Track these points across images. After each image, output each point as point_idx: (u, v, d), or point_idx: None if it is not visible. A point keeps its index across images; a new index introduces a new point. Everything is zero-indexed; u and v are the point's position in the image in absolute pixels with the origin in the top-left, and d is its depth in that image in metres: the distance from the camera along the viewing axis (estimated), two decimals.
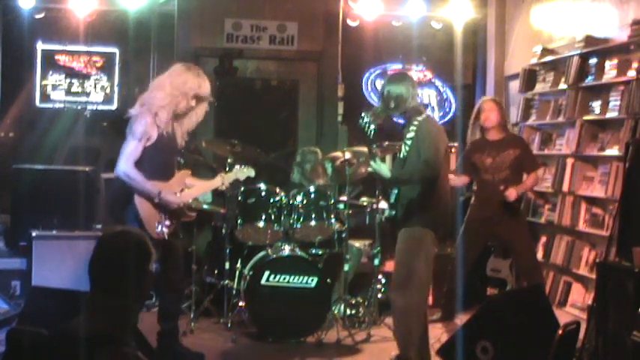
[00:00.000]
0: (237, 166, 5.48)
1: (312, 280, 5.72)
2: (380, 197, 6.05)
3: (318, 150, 6.84)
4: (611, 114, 6.27)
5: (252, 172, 5.51)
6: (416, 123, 4.87)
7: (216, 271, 6.53)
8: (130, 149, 4.67)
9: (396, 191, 4.96)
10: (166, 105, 4.76)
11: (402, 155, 4.93)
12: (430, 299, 6.51)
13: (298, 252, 5.92)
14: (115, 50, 9.12)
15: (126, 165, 4.65)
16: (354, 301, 6.14)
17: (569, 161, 6.77)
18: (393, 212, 4.98)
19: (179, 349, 5.08)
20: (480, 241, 6.30)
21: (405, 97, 4.94)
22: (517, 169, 6.23)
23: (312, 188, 6.09)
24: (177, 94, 4.81)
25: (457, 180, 6.28)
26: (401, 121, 5.14)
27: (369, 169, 5.00)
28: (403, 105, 4.94)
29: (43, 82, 8.99)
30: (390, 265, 6.60)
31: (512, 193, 6.07)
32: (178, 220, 4.96)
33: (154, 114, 4.72)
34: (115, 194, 4.88)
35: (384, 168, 4.89)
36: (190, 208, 5.05)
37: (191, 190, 5.03)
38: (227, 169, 5.68)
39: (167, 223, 4.79)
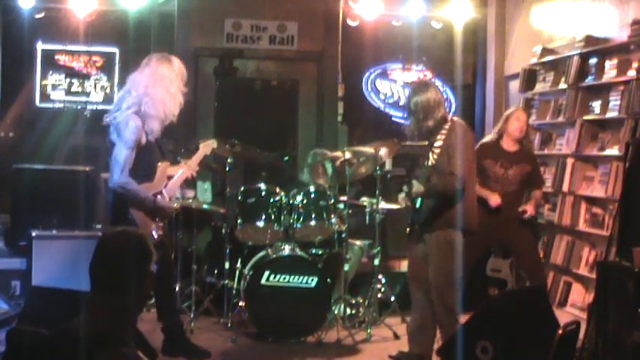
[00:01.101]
0: (201, 144, 5.42)
1: (312, 280, 5.72)
2: (380, 197, 6.05)
3: (328, 152, 6.83)
4: (611, 114, 6.27)
5: (214, 144, 5.43)
6: (444, 131, 4.87)
7: (216, 271, 6.53)
8: (125, 158, 4.57)
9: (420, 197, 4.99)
10: (148, 106, 4.65)
11: (429, 163, 4.92)
12: None
13: (298, 252, 5.91)
14: (115, 50, 9.11)
15: (122, 177, 4.57)
16: (354, 301, 6.14)
17: (569, 161, 6.77)
18: (416, 217, 5.00)
19: (187, 343, 5.08)
20: (482, 245, 6.26)
21: (434, 105, 4.90)
22: (524, 184, 6.19)
23: (312, 188, 6.09)
24: (160, 92, 4.69)
25: (493, 198, 6.04)
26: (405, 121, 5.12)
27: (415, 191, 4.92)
28: (433, 114, 4.89)
29: (43, 82, 8.98)
30: (391, 265, 6.62)
31: (531, 212, 6.12)
32: (167, 218, 4.96)
33: (144, 117, 4.64)
34: (110, 202, 4.84)
35: (416, 185, 4.88)
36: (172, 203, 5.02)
37: (172, 181, 4.97)
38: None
39: (160, 224, 4.79)
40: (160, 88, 4.69)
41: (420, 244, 4.99)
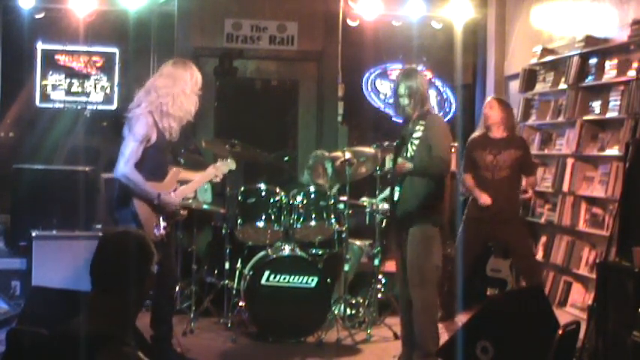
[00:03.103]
0: (219, 160, 5.39)
1: (312, 280, 5.72)
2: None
3: (327, 154, 6.83)
4: (611, 114, 6.27)
5: (233, 165, 5.42)
6: (422, 122, 4.81)
7: (216, 271, 6.53)
8: (131, 151, 4.62)
9: (398, 188, 4.94)
10: (168, 106, 4.73)
11: (408, 155, 4.86)
12: None
13: (298, 252, 5.92)
14: (115, 50, 9.11)
15: (126, 167, 4.61)
16: (354, 301, 6.14)
17: (570, 161, 6.77)
18: (394, 209, 4.99)
19: (173, 355, 5.06)
20: (478, 240, 6.30)
21: (424, 93, 4.89)
22: (517, 169, 6.26)
23: (312, 188, 6.09)
24: (177, 93, 4.77)
25: (483, 197, 6.14)
26: (399, 120, 5.11)
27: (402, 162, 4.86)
28: (422, 102, 4.87)
29: (43, 82, 8.97)
30: (390, 265, 6.61)
31: (529, 193, 6.39)
32: (173, 220, 4.96)
33: (155, 115, 4.70)
34: (116, 195, 4.85)
35: (401, 160, 4.86)
36: (183, 207, 5.01)
37: (185, 186, 4.99)
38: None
39: (164, 224, 4.78)
40: (177, 89, 4.79)
41: (402, 244, 4.98)
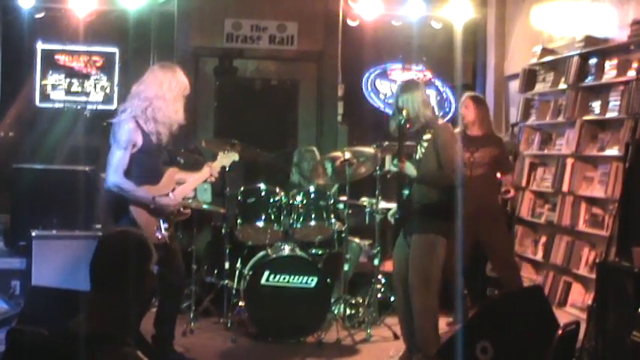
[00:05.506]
0: (220, 153, 5.41)
1: (312, 280, 5.72)
2: (380, 197, 6.04)
3: (315, 149, 6.84)
4: (611, 114, 6.27)
5: (236, 156, 5.41)
6: (431, 131, 4.88)
7: (216, 271, 6.53)
8: (117, 159, 4.61)
9: (406, 192, 4.95)
10: (149, 111, 4.68)
11: (417, 157, 4.93)
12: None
13: (298, 252, 5.92)
14: (115, 50, 9.10)
15: (115, 176, 4.60)
16: (353, 301, 6.14)
17: (569, 161, 6.77)
18: (398, 214, 4.99)
19: (173, 356, 5.05)
20: (466, 238, 6.20)
21: (422, 105, 4.89)
22: (493, 167, 6.23)
23: (311, 188, 6.09)
24: (157, 98, 4.72)
25: None
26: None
27: (393, 169, 4.93)
28: (422, 112, 4.87)
29: (43, 82, 8.97)
30: (390, 265, 6.62)
31: (512, 193, 6.48)
32: (175, 221, 4.94)
33: (140, 119, 4.66)
34: (108, 200, 4.82)
35: (409, 167, 4.86)
36: (185, 207, 4.99)
37: (183, 186, 4.96)
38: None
39: (165, 226, 4.77)
40: (157, 95, 4.72)
41: (407, 248, 4.98)
